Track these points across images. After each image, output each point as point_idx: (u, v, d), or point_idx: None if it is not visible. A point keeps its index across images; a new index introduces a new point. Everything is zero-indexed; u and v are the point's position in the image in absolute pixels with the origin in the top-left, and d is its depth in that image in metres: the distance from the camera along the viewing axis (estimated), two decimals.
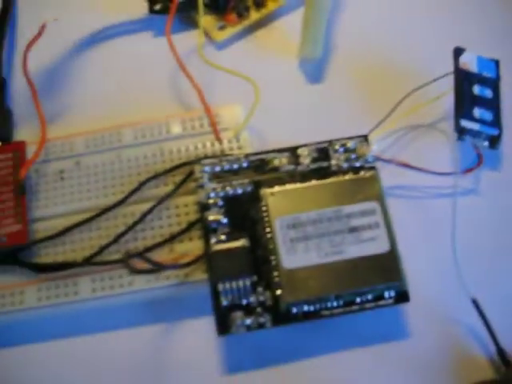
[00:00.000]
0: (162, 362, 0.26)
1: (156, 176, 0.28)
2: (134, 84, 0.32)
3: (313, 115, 0.31)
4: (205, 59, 0.30)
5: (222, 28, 0.33)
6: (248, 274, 0.26)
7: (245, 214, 0.27)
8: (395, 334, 0.26)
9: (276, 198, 0.27)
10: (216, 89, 0.31)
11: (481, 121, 0.29)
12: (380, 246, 0.26)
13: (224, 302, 0.25)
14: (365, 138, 0.28)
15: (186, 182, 0.28)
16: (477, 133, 0.29)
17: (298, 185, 0.27)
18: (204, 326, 0.27)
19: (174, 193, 0.28)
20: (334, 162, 0.28)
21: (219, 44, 0.33)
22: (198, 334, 0.27)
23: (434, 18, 0.33)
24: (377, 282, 0.25)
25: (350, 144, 0.28)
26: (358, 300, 0.25)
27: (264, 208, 0.27)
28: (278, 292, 0.25)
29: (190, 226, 0.27)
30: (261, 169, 0.28)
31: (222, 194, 0.27)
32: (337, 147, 0.28)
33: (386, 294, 0.25)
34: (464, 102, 0.29)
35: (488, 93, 0.30)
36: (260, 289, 0.26)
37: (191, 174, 0.28)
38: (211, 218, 0.27)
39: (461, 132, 0.28)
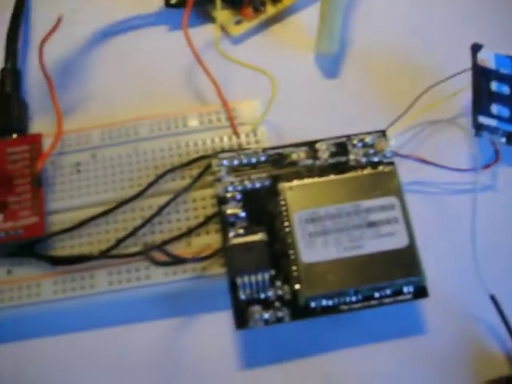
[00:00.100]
0: (178, 356, 0.26)
1: (173, 169, 0.28)
2: (149, 77, 0.32)
3: (329, 110, 0.31)
4: (223, 53, 0.30)
5: (238, 22, 0.33)
6: (266, 268, 0.26)
7: (263, 208, 0.27)
8: (413, 330, 0.26)
9: (294, 193, 0.27)
10: (232, 83, 0.31)
11: (498, 117, 0.29)
12: (399, 241, 0.26)
13: (242, 296, 0.25)
14: (383, 133, 0.28)
15: (204, 176, 0.28)
16: (494, 129, 0.29)
17: (316, 179, 0.27)
18: (221, 320, 0.26)
19: (192, 186, 0.28)
20: (352, 156, 0.28)
21: (235, 38, 0.33)
22: (215, 328, 0.26)
23: (452, 14, 0.33)
24: (396, 276, 0.25)
25: (368, 139, 0.28)
26: (377, 295, 0.25)
27: (282, 202, 0.27)
28: (297, 286, 0.25)
29: (208, 219, 0.27)
30: (279, 163, 0.28)
31: (239, 187, 0.27)
32: (355, 142, 0.28)
33: (405, 289, 0.25)
34: (482, 99, 0.29)
35: (505, 89, 0.30)
36: (278, 283, 0.25)
37: (209, 167, 0.28)
38: (229, 211, 0.27)
39: (478, 128, 0.28)
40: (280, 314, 0.25)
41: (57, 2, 0.33)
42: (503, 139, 0.29)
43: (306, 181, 0.27)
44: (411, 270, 0.25)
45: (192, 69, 0.32)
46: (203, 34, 0.33)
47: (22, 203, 0.28)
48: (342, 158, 0.28)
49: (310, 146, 0.28)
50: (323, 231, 0.26)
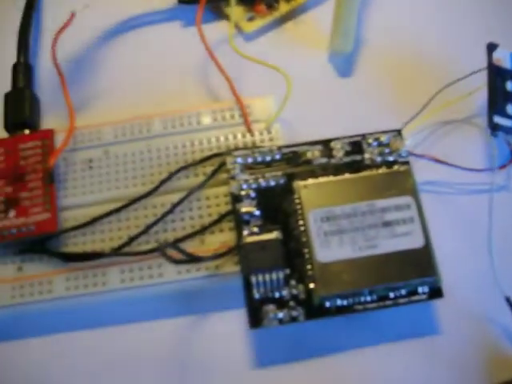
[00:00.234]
0: (191, 354, 0.26)
1: (187, 166, 0.28)
2: (162, 74, 0.32)
3: (342, 109, 0.31)
4: (237, 50, 0.30)
5: (251, 19, 0.33)
6: (281, 266, 0.25)
7: (277, 206, 0.26)
8: (427, 331, 0.26)
9: (309, 191, 0.26)
10: (244, 80, 0.31)
11: None
12: (414, 241, 0.26)
13: (256, 295, 0.25)
14: (398, 132, 0.28)
15: (217, 173, 0.28)
16: (510, 129, 0.28)
17: (331, 178, 0.27)
18: (234, 319, 0.26)
19: (206, 183, 0.27)
20: (367, 155, 0.27)
21: (248, 35, 0.33)
22: (229, 326, 0.26)
23: (467, 13, 0.33)
24: (411, 277, 0.25)
25: (383, 138, 0.28)
26: (392, 295, 0.25)
27: (297, 201, 0.26)
28: (312, 285, 0.25)
29: (222, 217, 0.27)
30: (293, 161, 0.27)
31: (254, 185, 0.27)
32: (370, 141, 0.28)
33: (420, 290, 0.25)
34: (497, 99, 0.29)
35: None
36: (293, 282, 0.25)
37: (223, 164, 0.27)
38: (244, 209, 0.26)
39: (494, 128, 0.28)
40: (294, 313, 0.25)
41: None
42: None
43: (321, 179, 0.27)
44: (426, 270, 0.25)
45: (205, 65, 0.32)
46: (216, 30, 0.32)
47: (33, 199, 0.27)
48: (357, 157, 0.27)
49: (325, 144, 0.28)
50: (338, 230, 0.26)
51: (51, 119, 0.31)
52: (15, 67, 0.30)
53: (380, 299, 0.25)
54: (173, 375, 0.26)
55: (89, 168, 0.29)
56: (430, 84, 0.30)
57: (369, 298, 0.25)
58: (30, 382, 0.26)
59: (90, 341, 0.26)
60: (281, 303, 0.25)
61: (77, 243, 0.27)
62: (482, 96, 0.29)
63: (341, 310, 0.25)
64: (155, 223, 0.27)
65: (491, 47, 0.29)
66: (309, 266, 0.25)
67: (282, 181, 0.27)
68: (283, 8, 0.33)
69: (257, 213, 0.26)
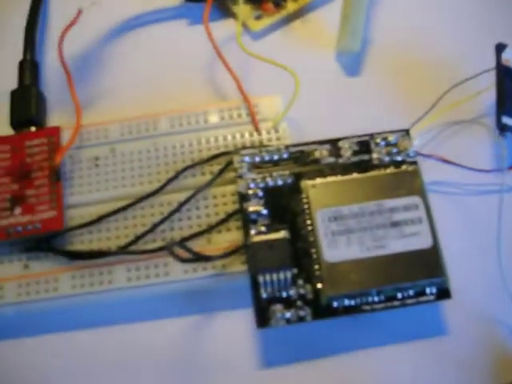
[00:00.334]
0: (197, 353, 0.26)
1: (194, 165, 0.28)
2: (169, 72, 0.32)
3: (349, 108, 0.31)
4: (245, 49, 0.29)
5: (258, 18, 0.32)
6: (288, 266, 0.25)
7: (285, 205, 0.26)
8: (434, 331, 0.26)
9: (317, 190, 0.26)
10: (251, 79, 0.31)
11: None
12: (423, 242, 0.25)
13: (264, 295, 0.25)
14: (406, 132, 0.28)
15: (225, 172, 0.28)
16: None
17: (339, 177, 0.27)
18: (241, 319, 0.26)
19: (213, 182, 0.27)
20: (375, 155, 0.27)
21: (255, 34, 0.32)
22: (235, 326, 0.26)
23: (476, 13, 0.33)
24: (419, 277, 0.25)
25: (391, 138, 0.28)
26: (400, 295, 0.25)
27: (305, 200, 0.26)
28: (319, 285, 0.25)
29: (229, 216, 0.27)
30: (301, 160, 0.27)
31: (261, 184, 0.27)
32: (378, 141, 0.28)
33: (428, 291, 0.25)
34: (506, 99, 0.29)
35: None
36: (300, 282, 0.25)
37: (230, 163, 0.27)
38: (251, 208, 0.26)
39: (502, 129, 0.28)
40: (302, 313, 0.25)
41: None
42: None
43: (329, 179, 0.27)
44: (434, 271, 0.25)
45: (211, 64, 0.31)
46: (222, 28, 0.32)
47: (40, 197, 0.27)
48: (365, 157, 0.27)
49: (333, 143, 0.28)
50: (346, 230, 0.25)
51: (57, 117, 0.30)
52: (21, 64, 0.30)
53: (388, 300, 0.25)
54: (179, 375, 0.26)
55: (95, 166, 0.28)
56: (438, 84, 0.29)
57: (376, 299, 0.25)
58: (35, 381, 0.26)
59: (95, 340, 0.26)
60: (288, 303, 0.25)
61: (83, 241, 0.27)
62: (490, 96, 0.29)
63: (348, 310, 0.25)
64: (162, 222, 0.27)
65: (500, 48, 0.29)
66: (316, 266, 0.25)
67: (289, 180, 0.27)
68: (291, 7, 0.33)
69: (264, 212, 0.26)
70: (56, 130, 0.28)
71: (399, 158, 0.27)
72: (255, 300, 0.25)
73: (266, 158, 0.27)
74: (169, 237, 0.27)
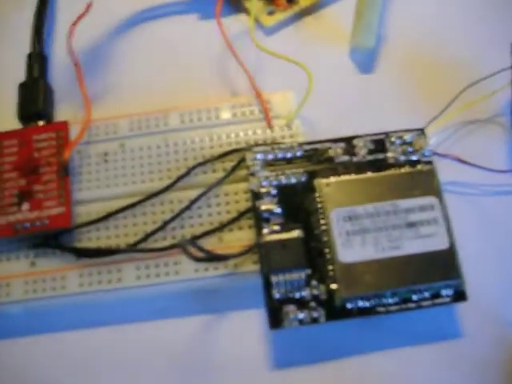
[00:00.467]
0: (207, 354, 0.25)
1: (206, 162, 0.27)
2: (179, 67, 0.31)
3: (363, 106, 0.30)
4: (258, 44, 0.29)
5: (270, 13, 0.32)
6: (302, 266, 0.25)
7: (298, 204, 0.26)
8: (449, 334, 0.25)
9: (331, 189, 0.26)
10: (262, 75, 0.30)
11: None
12: (439, 243, 0.25)
13: (276, 295, 0.24)
14: (422, 131, 0.27)
15: (237, 170, 0.27)
16: None
17: (354, 176, 0.26)
18: (252, 319, 0.26)
19: (225, 179, 0.27)
20: (390, 154, 0.27)
21: (267, 29, 0.32)
22: (246, 326, 0.26)
23: (490, 12, 0.32)
24: (435, 279, 0.24)
25: (406, 137, 0.27)
26: (415, 297, 0.24)
27: (319, 199, 0.26)
28: (333, 286, 0.24)
29: (241, 214, 0.26)
30: (315, 158, 0.27)
31: (274, 182, 0.26)
32: (393, 139, 0.27)
33: (444, 293, 0.25)
34: None
35: None
36: (314, 282, 0.25)
37: (242, 160, 0.27)
38: (264, 207, 0.26)
39: None
40: (315, 314, 0.24)
41: None
42: None
43: (343, 177, 0.26)
44: (451, 272, 0.25)
45: (222, 59, 0.31)
46: (234, 24, 0.32)
47: (48, 192, 0.27)
48: (380, 156, 0.27)
49: (348, 142, 0.27)
50: (361, 230, 0.25)
51: (63, 111, 0.30)
52: (30, 57, 0.30)
53: (403, 301, 0.24)
54: (188, 375, 0.25)
55: (104, 161, 0.28)
56: (453, 83, 0.29)
57: (391, 300, 0.24)
58: (41, 379, 0.25)
59: (103, 339, 0.26)
60: (301, 304, 0.24)
61: (90, 238, 0.27)
62: (505, 96, 0.29)
63: (363, 312, 0.24)
64: (172, 219, 0.26)
65: None
66: (330, 267, 0.25)
67: (303, 178, 0.26)
68: (303, 2, 0.32)
69: (277, 211, 0.26)
70: (64, 125, 0.28)
71: (414, 158, 0.27)
72: (268, 301, 0.24)
73: (280, 155, 0.27)
74: (179, 235, 0.26)
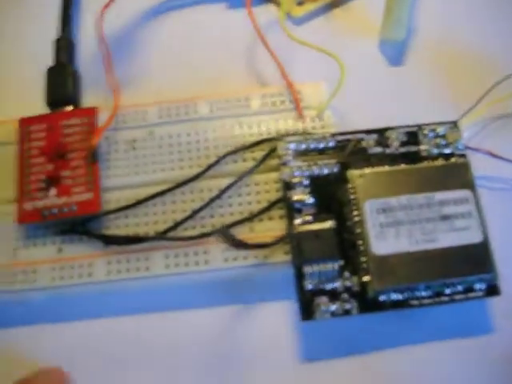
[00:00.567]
0: (235, 345, 0.25)
1: (237, 151, 0.27)
2: (207, 56, 0.31)
3: (392, 98, 0.30)
4: (289, 34, 0.28)
5: (300, 3, 0.32)
6: (335, 257, 0.24)
7: (331, 195, 0.26)
8: (480, 329, 0.25)
9: (365, 181, 0.25)
10: (291, 65, 0.30)
11: None
12: (472, 236, 0.25)
13: (308, 286, 0.24)
14: (454, 124, 0.27)
15: (267, 159, 0.27)
16: None
17: (387, 168, 0.26)
18: (281, 310, 0.25)
19: (256, 169, 0.26)
20: (423, 147, 0.27)
21: (297, 20, 0.31)
22: (276, 318, 0.25)
23: None
24: (468, 273, 0.24)
25: (439, 129, 0.27)
26: (448, 291, 0.24)
27: (352, 190, 0.25)
28: (366, 278, 0.24)
29: (272, 204, 0.26)
30: (347, 149, 0.26)
31: (307, 173, 0.26)
32: (426, 132, 0.27)
33: (477, 286, 0.24)
34: None
35: None
36: (347, 274, 0.24)
37: (273, 150, 0.27)
38: (296, 197, 0.25)
39: None
40: (347, 306, 0.24)
41: None
42: None
43: (377, 169, 0.26)
44: (484, 266, 0.24)
45: (251, 49, 0.31)
46: (263, 14, 0.31)
47: (76, 178, 0.26)
48: (413, 148, 0.26)
49: (380, 133, 0.27)
50: (395, 222, 0.25)
51: (90, 97, 0.29)
52: (58, 42, 0.29)
53: (436, 295, 0.24)
54: (216, 367, 0.25)
55: (132, 149, 0.28)
56: (484, 76, 0.29)
57: (424, 294, 0.24)
58: (66, 366, 0.25)
59: (129, 327, 0.25)
60: (333, 295, 0.24)
61: (119, 226, 0.26)
62: None
63: (395, 305, 0.24)
64: (202, 208, 0.26)
65: None
66: (363, 258, 0.24)
67: (335, 169, 0.26)
68: None
69: (309, 201, 0.25)
70: (93, 111, 0.27)
71: (448, 151, 0.26)
72: (299, 292, 0.24)
73: (312, 145, 0.26)
74: (209, 224, 0.26)
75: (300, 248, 0.24)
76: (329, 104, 0.28)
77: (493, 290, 0.24)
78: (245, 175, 0.26)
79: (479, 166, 0.27)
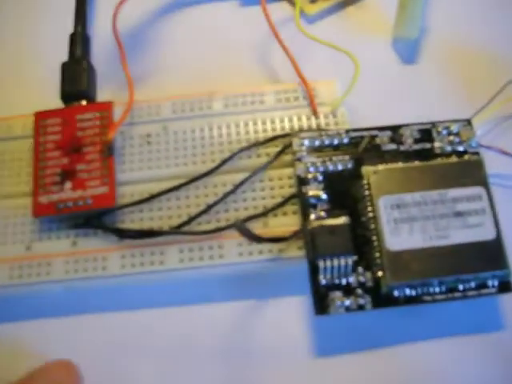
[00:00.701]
0: (249, 340, 0.25)
1: (251, 146, 0.27)
2: (220, 52, 0.31)
3: (405, 96, 0.30)
4: (304, 31, 0.29)
5: (313, 1, 0.32)
6: (349, 252, 0.24)
7: (345, 191, 0.26)
8: (491, 325, 0.25)
9: (379, 177, 0.26)
10: (304, 63, 0.30)
11: None
12: (486, 233, 0.25)
13: (323, 281, 0.24)
14: (468, 122, 0.27)
15: (281, 155, 0.27)
16: None
17: (401, 164, 0.26)
18: (295, 305, 0.26)
19: (270, 164, 0.27)
20: (437, 144, 0.27)
21: (310, 18, 0.32)
22: (289, 313, 0.26)
23: None
24: (482, 269, 0.24)
25: (453, 127, 0.27)
26: (461, 287, 0.24)
27: (366, 186, 0.26)
28: (380, 274, 0.24)
29: (287, 199, 0.26)
30: (361, 146, 0.27)
31: (321, 168, 0.26)
32: (440, 129, 0.27)
33: (490, 283, 0.25)
34: None
35: None
36: (360, 269, 0.25)
37: (288, 146, 0.27)
38: (311, 192, 0.26)
39: None
40: (361, 301, 0.24)
41: None
42: None
43: (391, 165, 0.26)
44: (497, 263, 0.24)
45: (264, 46, 0.31)
46: (276, 11, 0.31)
47: (91, 172, 0.26)
48: (427, 145, 0.27)
49: (394, 130, 0.27)
50: (409, 218, 0.25)
51: (104, 92, 0.29)
52: (73, 37, 0.29)
53: (449, 291, 0.24)
54: (230, 361, 0.25)
55: (147, 143, 0.28)
56: (496, 75, 0.29)
57: (438, 290, 0.24)
58: (79, 359, 0.25)
59: (142, 322, 0.26)
60: (347, 290, 0.24)
61: (133, 220, 0.26)
62: None
63: (409, 300, 0.24)
64: (217, 203, 0.26)
65: None
66: (377, 254, 0.25)
67: (349, 165, 0.26)
68: None
69: (324, 196, 0.26)
70: (109, 105, 0.28)
71: (461, 148, 0.27)
72: (314, 286, 0.24)
73: (326, 141, 0.26)
74: (223, 218, 0.26)
75: (314, 243, 0.25)
76: (343, 101, 0.28)
77: (505, 287, 0.25)
78: (259, 170, 0.26)
79: (492, 163, 0.27)
